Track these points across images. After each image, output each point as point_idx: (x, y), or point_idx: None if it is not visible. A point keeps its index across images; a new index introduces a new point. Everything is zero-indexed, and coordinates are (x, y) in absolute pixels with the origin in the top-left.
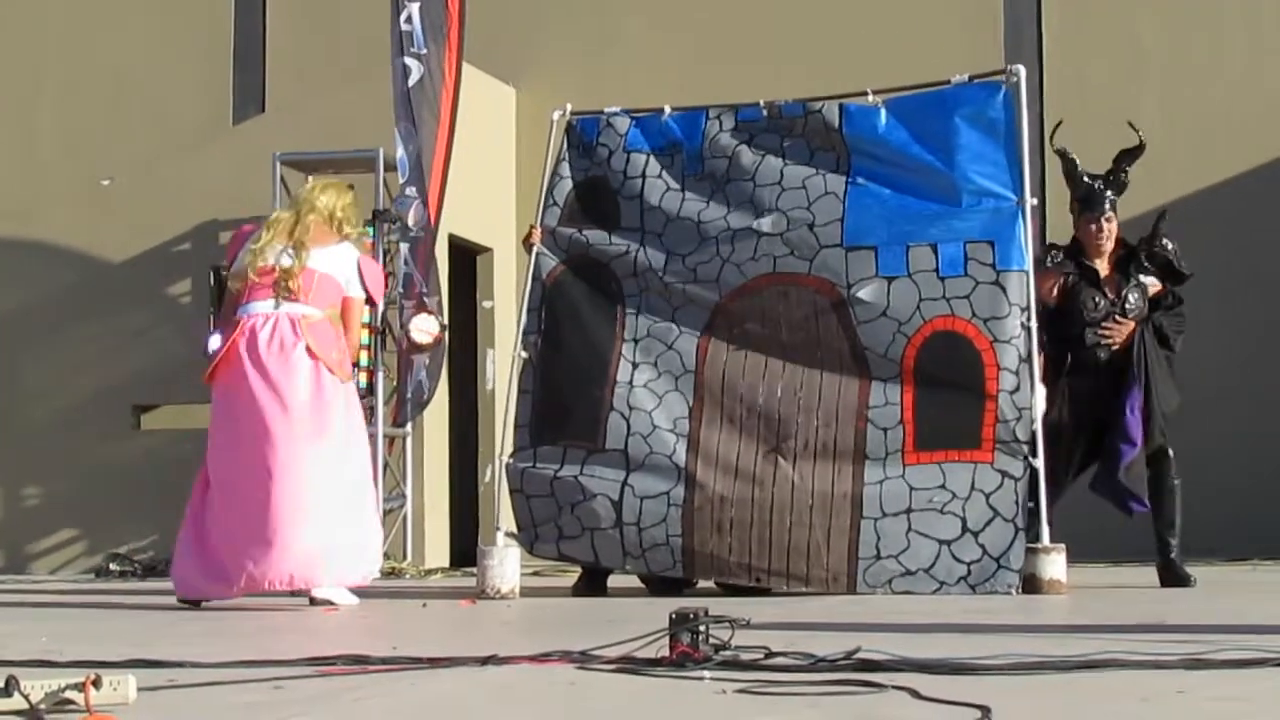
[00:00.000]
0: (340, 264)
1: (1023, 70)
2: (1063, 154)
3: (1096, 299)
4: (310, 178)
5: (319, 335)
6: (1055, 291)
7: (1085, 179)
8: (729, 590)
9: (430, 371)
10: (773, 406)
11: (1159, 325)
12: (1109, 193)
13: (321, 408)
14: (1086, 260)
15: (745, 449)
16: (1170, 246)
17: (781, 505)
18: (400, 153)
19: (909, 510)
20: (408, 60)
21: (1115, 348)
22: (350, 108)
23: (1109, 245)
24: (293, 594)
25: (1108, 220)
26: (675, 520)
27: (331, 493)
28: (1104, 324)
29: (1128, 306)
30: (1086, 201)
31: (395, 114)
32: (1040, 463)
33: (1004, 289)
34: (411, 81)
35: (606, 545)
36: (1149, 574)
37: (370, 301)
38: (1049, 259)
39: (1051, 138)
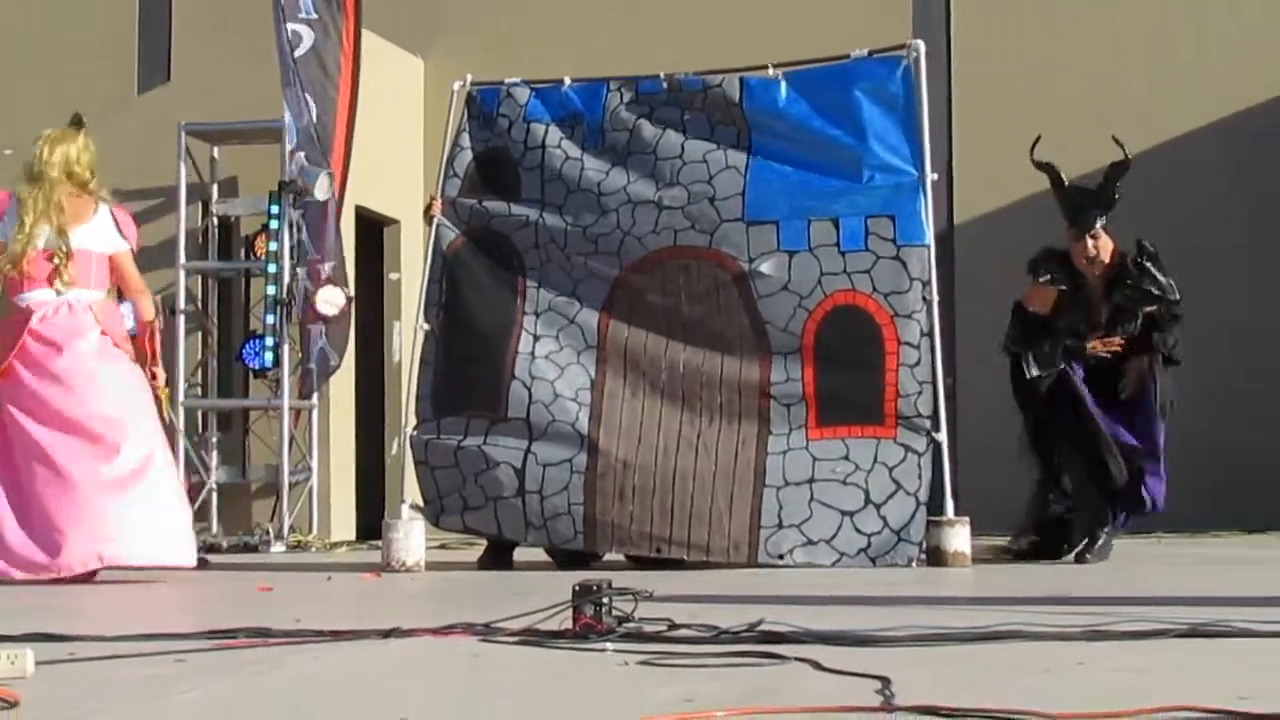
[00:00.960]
0: (102, 233)
1: (922, 45)
2: (1045, 167)
3: (1081, 326)
4: (214, 149)
5: (108, 317)
6: (1050, 307)
7: (1071, 194)
8: (637, 563)
9: (333, 342)
10: (675, 380)
11: (1161, 350)
12: (1095, 210)
13: (126, 387)
14: (1077, 270)
15: (648, 419)
16: (1147, 282)
17: (684, 473)
18: (288, 118)
19: (811, 480)
20: (296, 26)
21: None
22: (256, 77)
23: (1098, 265)
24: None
25: (1093, 237)
26: (577, 487)
27: (156, 473)
28: (1099, 339)
29: (1116, 332)
30: (1071, 219)
31: (282, 80)
32: (943, 436)
33: (905, 264)
34: (303, 49)
35: (509, 515)
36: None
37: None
38: (1040, 273)
39: (1031, 152)
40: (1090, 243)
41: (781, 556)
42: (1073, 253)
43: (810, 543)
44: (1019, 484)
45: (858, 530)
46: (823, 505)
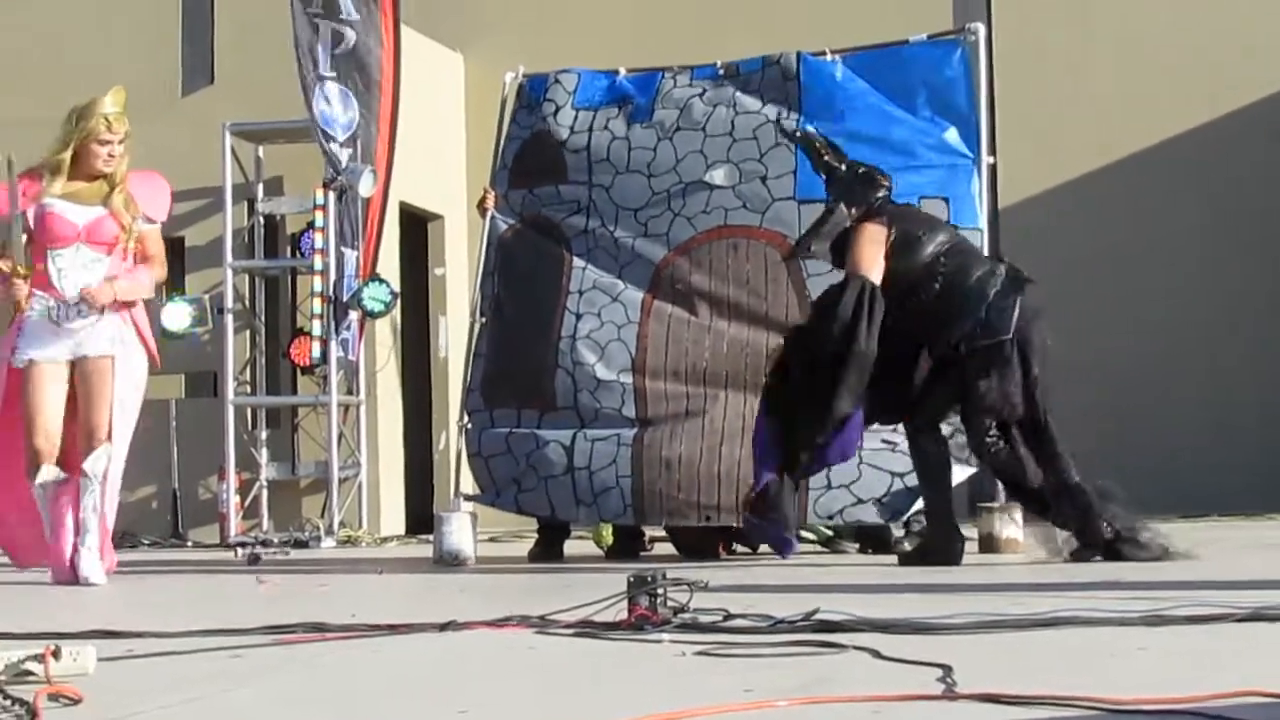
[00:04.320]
0: None
1: (981, 29)
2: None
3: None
4: (259, 148)
5: None
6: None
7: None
8: (686, 554)
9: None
10: (719, 358)
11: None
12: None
13: None
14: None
15: (693, 392)
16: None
17: (730, 441)
18: (320, 116)
19: (860, 446)
20: (337, 26)
21: None
22: (298, 77)
23: None
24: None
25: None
26: (625, 460)
27: None
28: None
29: None
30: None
31: (304, 80)
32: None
33: None
34: (343, 49)
35: (560, 494)
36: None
37: None
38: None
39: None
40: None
41: (831, 517)
42: None
43: (860, 502)
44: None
45: (909, 490)
46: (872, 467)
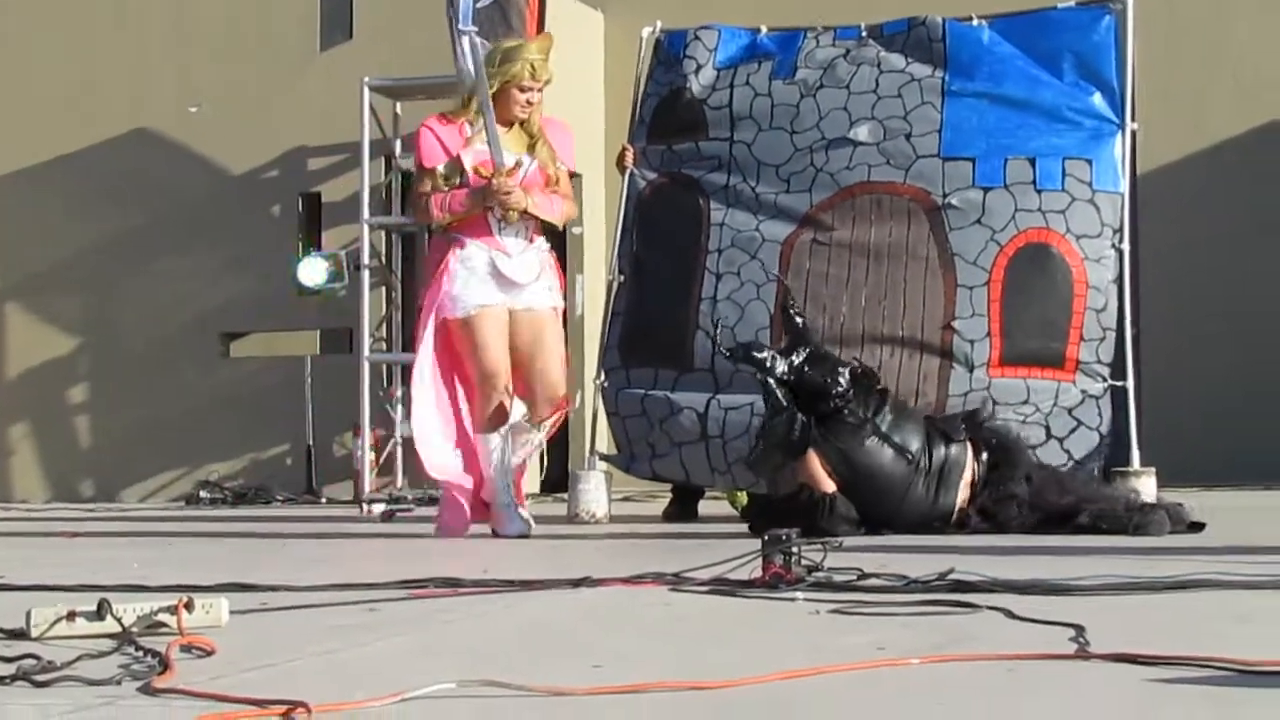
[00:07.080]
0: None
1: None
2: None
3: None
4: (397, 104)
5: None
6: None
7: None
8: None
9: None
10: (857, 317)
11: None
12: None
13: None
14: None
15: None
16: None
17: None
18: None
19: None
20: None
21: None
22: (438, 32)
23: None
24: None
25: None
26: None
27: None
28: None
29: None
30: None
31: (456, 28)
32: (1130, 384)
33: (1098, 208)
34: (485, 1)
35: (695, 461)
36: (1241, 498)
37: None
38: None
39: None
40: None
41: None
42: None
43: None
44: (1206, 434)
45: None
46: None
